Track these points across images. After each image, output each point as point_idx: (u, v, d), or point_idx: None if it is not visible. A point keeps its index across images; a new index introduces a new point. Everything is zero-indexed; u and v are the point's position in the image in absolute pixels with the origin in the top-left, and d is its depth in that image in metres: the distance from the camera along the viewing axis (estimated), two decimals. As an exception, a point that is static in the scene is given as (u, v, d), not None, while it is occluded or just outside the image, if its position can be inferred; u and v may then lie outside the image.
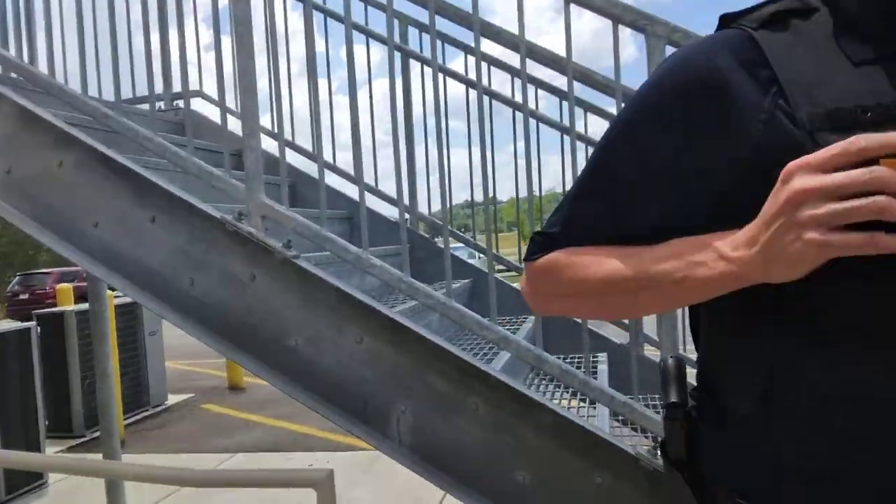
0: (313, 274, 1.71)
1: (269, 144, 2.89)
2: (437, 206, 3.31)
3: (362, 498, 3.50)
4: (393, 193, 3.01)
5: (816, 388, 0.65)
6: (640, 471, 1.57)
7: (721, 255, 0.64)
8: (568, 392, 2.41)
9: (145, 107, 3.02)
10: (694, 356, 0.88)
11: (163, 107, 3.23)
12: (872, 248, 0.54)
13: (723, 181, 0.67)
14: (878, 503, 0.64)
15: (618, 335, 2.87)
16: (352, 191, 3.17)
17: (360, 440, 1.75)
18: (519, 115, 2.71)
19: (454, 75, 2.81)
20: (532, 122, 2.69)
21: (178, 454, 4.65)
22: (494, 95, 2.74)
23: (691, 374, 0.85)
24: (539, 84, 2.77)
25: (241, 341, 1.79)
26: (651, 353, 2.80)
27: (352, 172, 3.02)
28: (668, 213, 0.72)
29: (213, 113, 3.39)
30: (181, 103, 3.37)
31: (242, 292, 1.77)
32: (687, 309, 0.88)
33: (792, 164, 0.57)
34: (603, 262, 0.74)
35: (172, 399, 6.23)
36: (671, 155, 0.71)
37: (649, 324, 2.66)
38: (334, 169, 2.97)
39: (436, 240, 3.36)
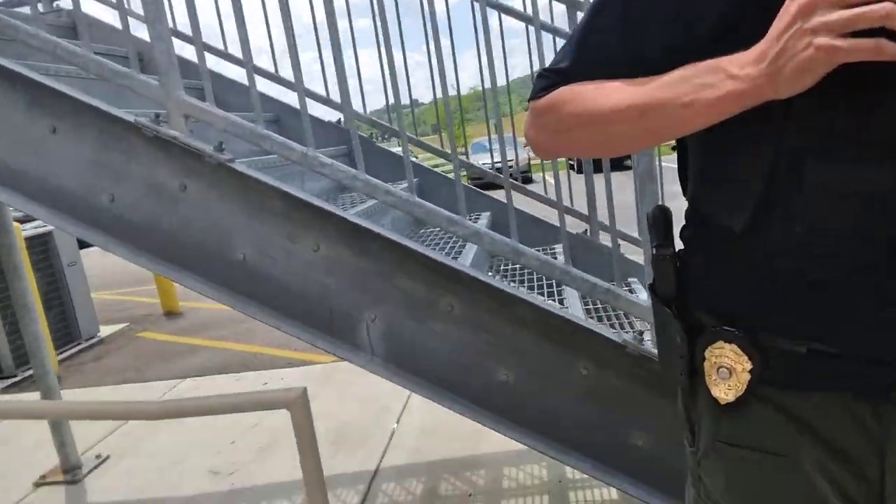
0: (254, 178, 1.50)
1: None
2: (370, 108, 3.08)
3: (325, 409, 3.41)
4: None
5: (817, 186, 0.67)
6: (626, 358, 1.51)
7: (729, 74, 0.65)
8: (532, 288, 2.33)
9: (24, 13, 2.61)
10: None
11: (41, 9, 2.80)
12: (877, 53, 0.58)
13: (736, 3, 0.69)
14: (878, 307, 0.68)
15: (572, 225, 2.79)
16: (275, 91, 2.87)
17: (327, 354, 1.61)
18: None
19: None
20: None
21: (122, 385, 4.44)
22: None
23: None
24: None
25: (182, 259, 1.59)
26: (607, 240, 2.75)
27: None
28: (676, 41, 0.72)
29: (99, 14, 2.96)
30: (62, 4, 2.94)
31: (174, 205, 1.55)
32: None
33: None
34: (611, 91, 0.75)
35: (105, 330, 5.91)
36: None
37: (603, 211, 2.58)
38: (257, 69, 2.64)
39: (375, 140, 3.14)
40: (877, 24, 0.57)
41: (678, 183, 0.90)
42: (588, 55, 0.80)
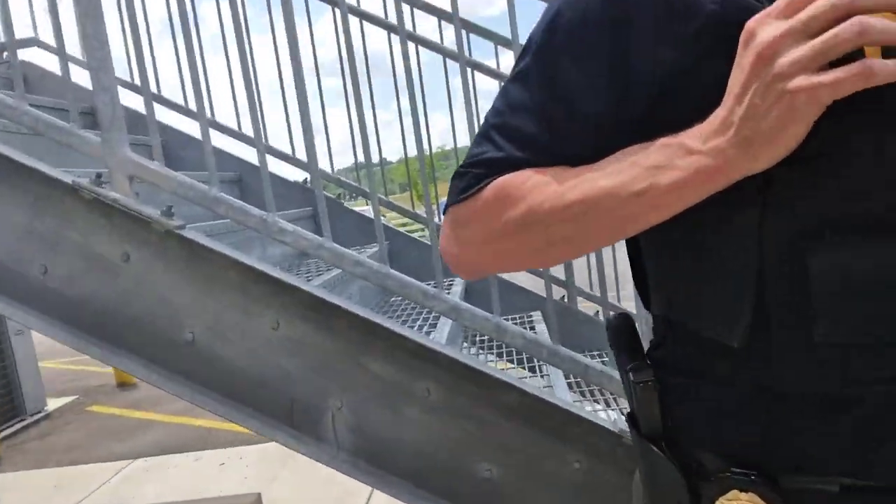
0: (205, 247, 1.33)
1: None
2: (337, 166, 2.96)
3: (285, 494, 3.15)
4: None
5: (829, 279, 0.53)
6: (623, 448, 1.35)
7: (689, 150, 0.53)
8: (512, 360, 2.17)
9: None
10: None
11: (-10, 60, 2.65)
12: (867, 76, 0.46)
13: (674, 69, 0.56)
14: None
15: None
16: (238, 149, 2.74)
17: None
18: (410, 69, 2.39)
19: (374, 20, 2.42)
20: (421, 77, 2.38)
21: (66, 467, 4.10)
22: (424, 42, 2.37)
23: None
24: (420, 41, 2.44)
25: (122, 340, 1.40)
26: (585, 306, 2.63)
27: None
28: (615, 115, 0.60)
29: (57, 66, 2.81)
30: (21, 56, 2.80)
31: (115, 277, 1.37)
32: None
33: (751, 22, 0.50)
34: (546, 184, 0.61)
35: (53, 403, 5.55)
36: (611, 49, 0.59)
37: (580, 272, 2.46)
38: (216, 125, 2.51)
39: (343, 201, 3.01)
40: (853, 47, 0.46)
41: None
42: (512, 142, 0.64)
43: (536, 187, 0.61)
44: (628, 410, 0.71)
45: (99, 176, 1.32)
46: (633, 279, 0.75)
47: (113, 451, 4.32)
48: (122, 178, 1.30)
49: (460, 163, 0.69)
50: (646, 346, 0.72)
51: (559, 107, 0.62)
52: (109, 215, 1.33)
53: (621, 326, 0.72)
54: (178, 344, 1.38)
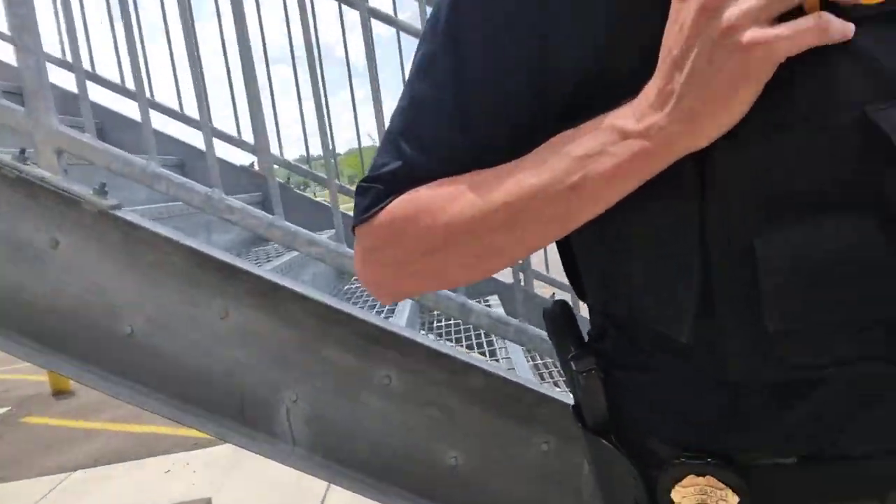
0: (144, 228, 1.23)
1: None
2: (292, 155, 2.86)
3: (236, 499, 3.02)
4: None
5: (780, 263, 0.48)
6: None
7: (622, 133, 0.48)
8: (471, 345, 2.12)
9: None
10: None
11: None
12: (822, 31, 0.42)
13: (596, 42, 0.51)
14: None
15: (505, 275, 2.66)
16: (181, 132, 2.60)
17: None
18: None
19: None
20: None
21: (-3, 483, 3.85)
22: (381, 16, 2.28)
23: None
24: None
25: (52, 337, 1.28)
26: (541, 290, 2.61)
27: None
28: (538, 97, 0.53)
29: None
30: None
31: (43, 266, 1.26)
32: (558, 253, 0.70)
33: None
34: (466, 192, 0.54)
35: (-18, 417, 5.23)
36: (526, 22, 0.52)
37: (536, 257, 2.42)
38: (156, 105, 2.37)
39: (293, 186, 2.91)
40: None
41: None
42: (420, 149, 0.58)
43: (452, 198, 0.55)
44: (573, 403, 0.66)
45: (23, 152, 1.20)
46: (564, 269, 0.69)
47: (50, 465, 4.09)
48: (50, 153, 1.19)
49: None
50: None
51: (474, 91, 0.55)
52: (35, 196, 1.21)
53: (559, 315, 0.67)
54: (115, 338, 1.27)
